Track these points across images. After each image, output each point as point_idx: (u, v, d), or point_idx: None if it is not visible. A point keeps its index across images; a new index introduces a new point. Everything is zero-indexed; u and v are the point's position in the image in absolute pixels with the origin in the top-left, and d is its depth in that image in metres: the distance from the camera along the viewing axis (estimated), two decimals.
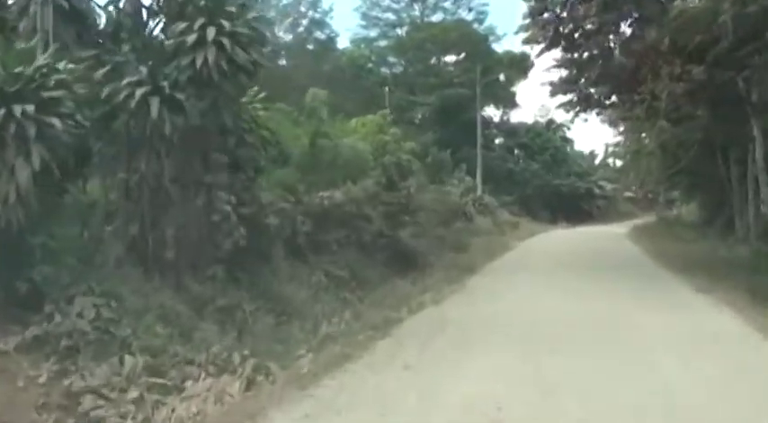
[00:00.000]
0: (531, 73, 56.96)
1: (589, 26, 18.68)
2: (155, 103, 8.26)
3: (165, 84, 8.53)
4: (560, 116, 38.65)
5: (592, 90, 17.22)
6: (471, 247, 21.91)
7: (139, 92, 8.30)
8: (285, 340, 8.28)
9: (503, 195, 51.96)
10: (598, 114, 21.49)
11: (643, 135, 28.67)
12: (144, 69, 8.68)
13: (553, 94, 18.42)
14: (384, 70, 58.19)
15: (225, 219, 9.10)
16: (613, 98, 20.55)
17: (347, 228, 13.26)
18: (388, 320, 9.75)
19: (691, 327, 9.74)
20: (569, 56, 18.94)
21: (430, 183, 26.69)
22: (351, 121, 17.69)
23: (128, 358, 6.43)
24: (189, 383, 6.45)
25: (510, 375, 7.05)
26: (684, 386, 6.75)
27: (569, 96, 18.09)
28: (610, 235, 33.37)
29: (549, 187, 54.07)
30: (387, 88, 40.53)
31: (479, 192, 35.13)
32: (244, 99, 10.53)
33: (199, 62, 8.68)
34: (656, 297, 12.63)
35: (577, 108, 18.67)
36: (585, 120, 19.73)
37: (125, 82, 8.44)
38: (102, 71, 8.56)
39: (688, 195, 29.71)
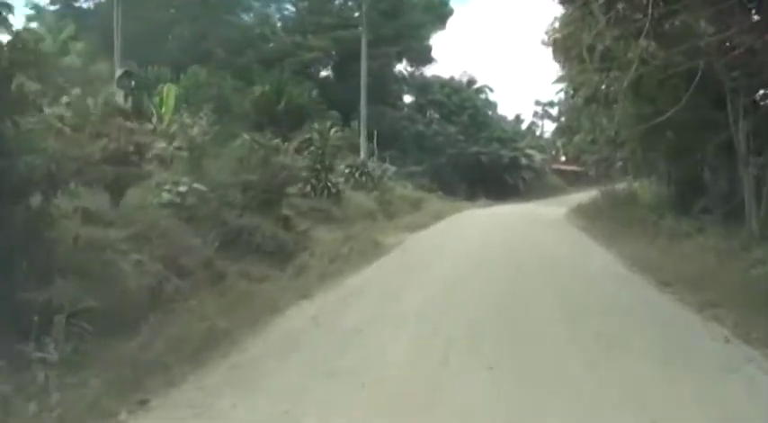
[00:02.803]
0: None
1: None
2: None
3: None
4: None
5: None
6: (304, 253, 11.38)
7: None
8: None
9: (410, 164, 41.94)
10: None
11: (596, 80, 18.77)
12: None
13: None
14: (270, 8, 46.35)
15: None
16: None
17: None
18: None
19: None
20: None
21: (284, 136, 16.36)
22: None
23: None
24: None
25: None
26: None
27: None
28: (551, 221, 23.34)
29: (466, 156, 44.28)
30: None
31: (363, 155, 24.58)
32: None
33: None
34: None
35: None
36: None
37: None
38: None
39: (676, 160, 20.03)
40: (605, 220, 20.66)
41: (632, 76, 15.81)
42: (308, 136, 18.23)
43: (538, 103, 65.13)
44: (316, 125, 18.29)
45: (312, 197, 17.54)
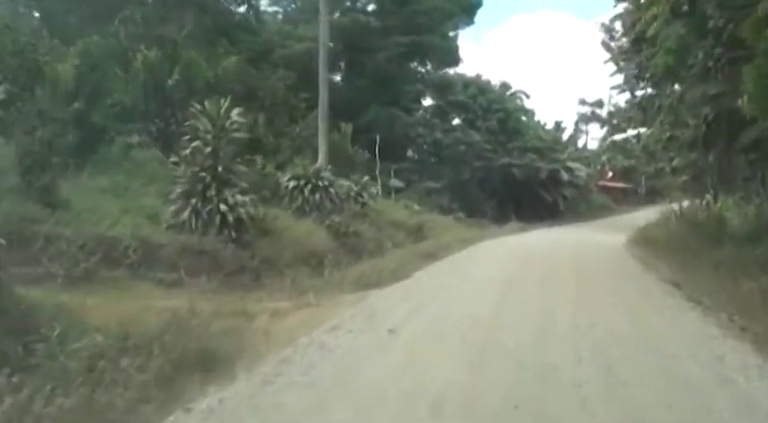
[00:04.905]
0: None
1: None
2: None
3: None
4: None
5: None
6: None
7: None
8: None
9: (427, 179, 34.24)
10: None
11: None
12: None
13: None
14: None
15: None
16: None
17: None
18: None
19: None
20: None
21: None
22: None
23: None
24: None
25: None
26: None
27: None
28: (614, 265, 14.50)
29: (494, 169, 36.23)
30: None
31: (321, 160, 16.75)
32: None
33: None
34: None
35: None
36: None
37: None
38: None
39: None
40: (702, 261, 12.54)
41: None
42: (189, 122, 10.70)
43: (583, 102, 56.59)
44: (206, 104, 10.63)
45: (193, 229, 9.99)
